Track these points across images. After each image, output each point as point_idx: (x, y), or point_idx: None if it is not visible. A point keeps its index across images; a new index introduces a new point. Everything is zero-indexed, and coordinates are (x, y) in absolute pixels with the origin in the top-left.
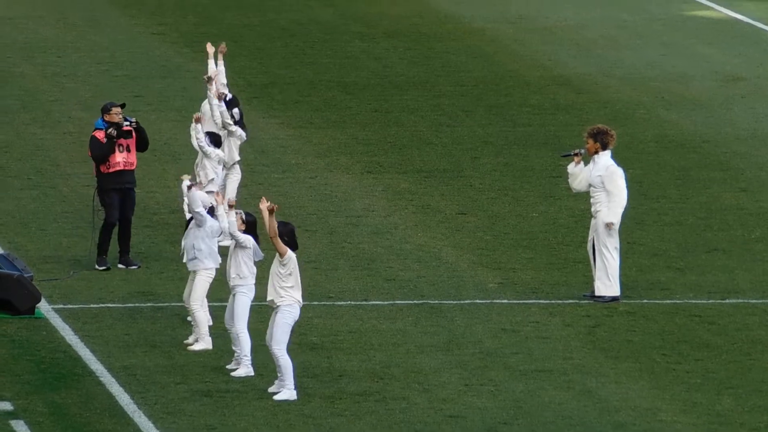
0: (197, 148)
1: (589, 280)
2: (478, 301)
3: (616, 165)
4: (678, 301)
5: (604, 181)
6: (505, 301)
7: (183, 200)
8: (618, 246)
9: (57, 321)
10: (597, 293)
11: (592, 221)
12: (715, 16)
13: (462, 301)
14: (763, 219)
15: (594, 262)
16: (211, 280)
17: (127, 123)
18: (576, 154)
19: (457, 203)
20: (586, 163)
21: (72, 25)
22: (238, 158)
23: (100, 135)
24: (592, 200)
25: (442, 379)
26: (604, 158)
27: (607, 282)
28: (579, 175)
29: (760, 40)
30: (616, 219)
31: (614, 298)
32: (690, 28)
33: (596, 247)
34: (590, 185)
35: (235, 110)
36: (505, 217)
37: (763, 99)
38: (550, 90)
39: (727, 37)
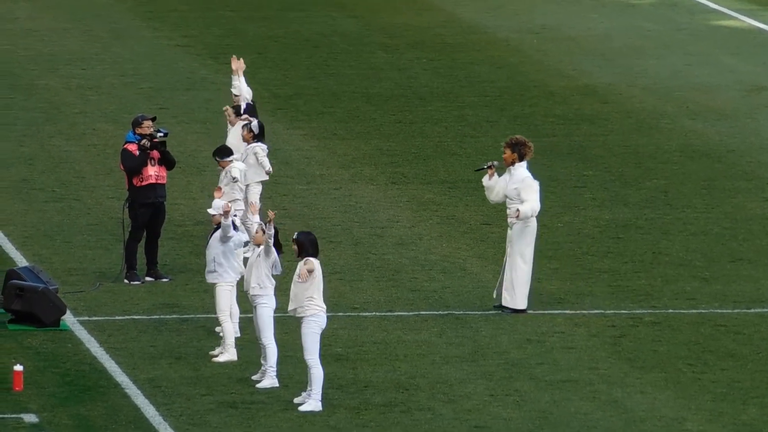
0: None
1: (615, 290)
2: (503, 311)
3: (532, 177)
4: (703, 311)
5: (520, 193)
6: (530, 311)
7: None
8: (531, 260)
9: (82, 333)
10: (504, 303)
11: (508, 232)
12: (739, 26)
13: (487, 312)
14: None
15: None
16: (231, 290)
17: (161, 134)
18: (490, 167)
19: (481, 214)
20: (501, 174)
21: (96, 37)
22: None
23: (132, 148)
24: (508, 212)
25: (467, 390)
26: (520, 170)
27: (513, 293)
28: (495, 187)
29: None
30: (523, 208)
31: (518, 311)
32: (714, 37)
33: (510, 257)
34: (506, 197)
35: (254, 123)
36: None
37: None
38: (574, 100)
39: (751, 46)
